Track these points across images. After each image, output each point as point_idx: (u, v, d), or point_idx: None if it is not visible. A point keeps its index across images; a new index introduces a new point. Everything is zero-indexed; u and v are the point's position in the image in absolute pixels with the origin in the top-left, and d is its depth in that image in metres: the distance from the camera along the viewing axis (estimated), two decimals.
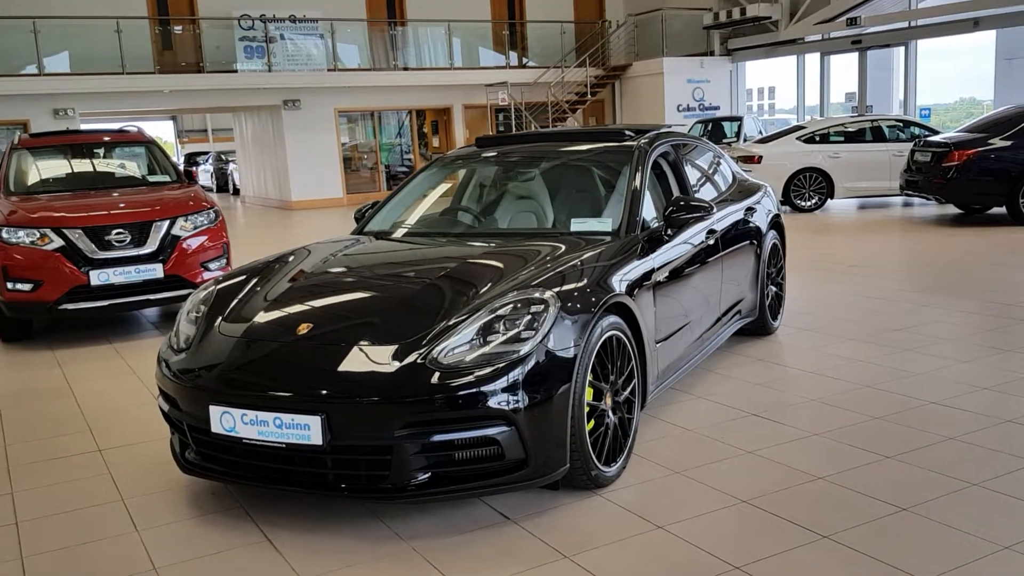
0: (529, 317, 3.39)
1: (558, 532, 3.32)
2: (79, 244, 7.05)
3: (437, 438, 3.19)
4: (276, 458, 3.37)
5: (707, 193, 5.44)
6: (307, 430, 3.21)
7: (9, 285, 6.97)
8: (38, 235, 7.04)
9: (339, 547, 3.30)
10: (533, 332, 3.34)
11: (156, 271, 7.25)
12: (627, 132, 5.07)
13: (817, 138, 14.24)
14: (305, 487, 3.36)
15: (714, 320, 5.05)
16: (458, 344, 3.32)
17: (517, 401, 3.23)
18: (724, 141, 18.40)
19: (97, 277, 7.05)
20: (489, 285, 3.68)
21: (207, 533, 3.49)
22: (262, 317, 3.74)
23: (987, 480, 3.57)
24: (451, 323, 3.41)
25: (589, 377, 3.52)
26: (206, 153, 35.25)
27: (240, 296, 3.99)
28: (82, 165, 8.76)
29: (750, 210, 5.73)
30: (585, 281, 3.69)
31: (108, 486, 4.05)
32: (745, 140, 17.60)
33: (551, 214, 4.70)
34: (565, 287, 3.57)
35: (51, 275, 6.98)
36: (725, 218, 5.30)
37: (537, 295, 3.47)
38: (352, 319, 3.63)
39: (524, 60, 23.58)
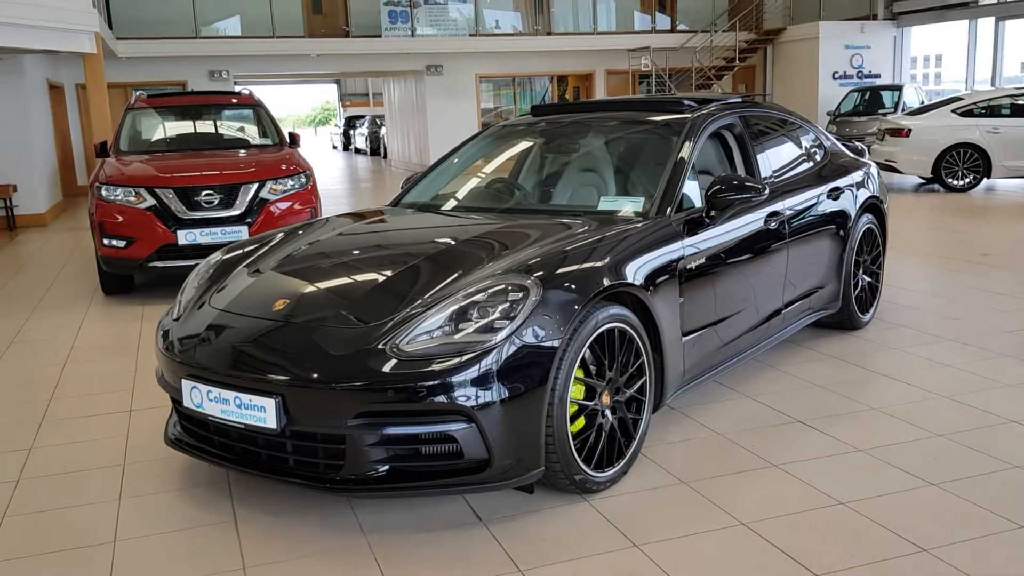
0: (507, 304, 3.09)
1: (524, 540, 3.04)
2: (170, 204, 7.24)
3: (391, 431, 2.98)
4: (244, 439, 3.26)
5: (785, 172, 4.92)
6: (263, 412, 3.06)
7: (105, 241, 7.27)
8: (133, 194, 7.28)
9: (298, 535, 3.15)
10: (508, 321, 3.05)
11: (242, 233, 7.36)
12: (687, 102, 4.62)
13: (978, 111, 12.92)
14: (267, 472, 3.22)
15: (771, 312, 4.56)
16: (427, 331, 3.07)
17: (481, 397, 2.95)
18: (880, 112, 17.12)
19: (184, 237, 7.23)
20: (477, 267, 3.40)
21: (181, 507, 3.43)
22: (246, 291, 3.61)
23: None
24: (425, 308, 3.17)
25: (579, 373, 3.21)
26: (362, 117, 36.10)
27: (239, 267, 3.88)
28: (191, 126, 9.03)
29: (835, 191, 5.14)
30: (582, 266, 3.34)
31: (119, 449, 4.07)
32: (904, 111, 16.27)
33: (586, 190, 4.35)
34: (554, 272, 3.24)
35: (143, 233, 7.22)
36: (797, 200, 4.77)
37: (517, 280, 3.17)
38: (330, 299, 3.43)
39: (677, 24, 22.67)
